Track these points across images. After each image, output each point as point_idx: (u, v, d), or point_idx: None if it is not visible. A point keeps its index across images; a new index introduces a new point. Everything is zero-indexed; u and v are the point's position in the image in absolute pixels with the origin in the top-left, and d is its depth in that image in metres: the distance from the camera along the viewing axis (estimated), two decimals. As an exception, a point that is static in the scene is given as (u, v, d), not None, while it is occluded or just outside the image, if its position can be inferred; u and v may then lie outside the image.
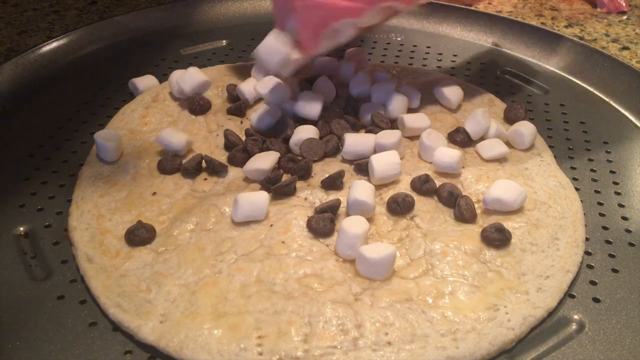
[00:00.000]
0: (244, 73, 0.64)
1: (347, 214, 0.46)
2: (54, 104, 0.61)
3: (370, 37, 0.74)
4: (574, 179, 0.53)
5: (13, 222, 0.47)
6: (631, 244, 0.47)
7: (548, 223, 0.47)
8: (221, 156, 0.53)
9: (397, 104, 0.56)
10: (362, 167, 0.50)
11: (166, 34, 0.73)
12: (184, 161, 0.51)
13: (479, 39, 0.74)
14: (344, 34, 0.52)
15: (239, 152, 0.52)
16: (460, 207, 0.46)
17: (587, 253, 0.46)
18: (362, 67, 0.62)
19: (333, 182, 0.48)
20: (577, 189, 0.51)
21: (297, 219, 0.46)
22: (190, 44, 0.72)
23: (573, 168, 0.54)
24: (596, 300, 0.42)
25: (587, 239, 0.47)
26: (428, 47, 0.72)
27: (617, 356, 0.39)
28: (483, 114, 0.54)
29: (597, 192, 0.51)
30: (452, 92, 0.59)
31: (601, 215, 0.49)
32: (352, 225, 0.43)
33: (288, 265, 0.43)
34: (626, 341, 0.40)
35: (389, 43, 0.73)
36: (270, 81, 0.56)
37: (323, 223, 0.45)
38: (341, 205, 0.47)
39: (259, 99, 0.59)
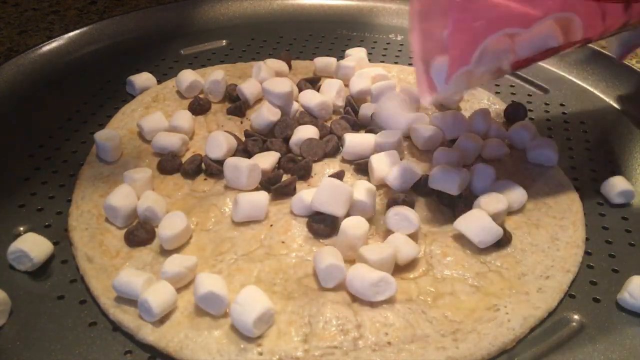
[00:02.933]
0: (244, 73, 0.64)
1: (347, 215, 0.46)
2: (53, 104, 0.61)
3: (370, 37, 0.74)
4: (574, 179, 0.53)
5: (13, 222, 0.47)
6: (631, 244, 0.47)
7: (548, 223, 0.47)
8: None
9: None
10: (362, 167, 0.51)
11: (166, 34, 0.73)
12: (183, 161, 0.51)
13: (479, 39, 0.74)
14: (504, 56, 0.42)
15: (239, 152, 0.52)
16: (458, 210, 0.46)
17: (587, 253, 0.46)
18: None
19: (333, 182, 0.48)
20: (577, 189, 0.51)
21: (297, 219, 0.46)
22: (190, 44, 0.71)
23: (573, 168, 0.54)
24: (596, 300, 0.42)
25: (587, 239, 0.47)
26: (428, 47, 0.72)
27: (617, 356, 0.39)
28: (483, 114, 0.54)
29: (597, 192, 0.51)
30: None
31: (601, 215, 0.49)
32: (352, 226, 0.43)
33: (288, 266, 0.43)
34: (626, 341, 0.40)
35: (388, 43, 0.73)
36: (275, 81, 0.56)
37: (323, 223, 0.45)
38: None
39: (259, 99, 0.59)
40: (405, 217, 0.44)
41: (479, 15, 0.41)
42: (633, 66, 0.65)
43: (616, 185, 0.50)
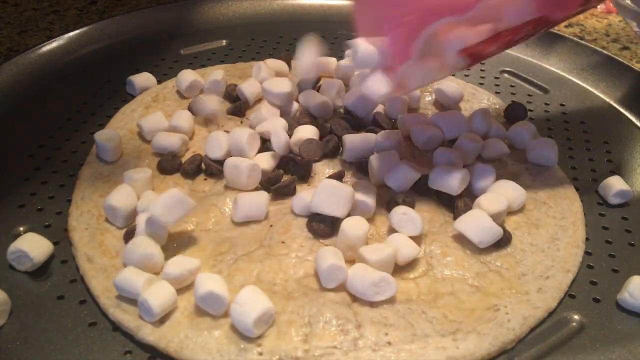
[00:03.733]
0: (244, 73, 0.64)
1: (347, 215, 0.46)
2: (53, 104, 0.61)
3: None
4: (574, 179, 0.53)
5: (13, 222, 0.47)
6: (631, 244, 0.47)
7: (548, 223, 0.47)
8: (221, 156, 0.53)
9: (397, 104, 0.56)
10: (362, 167, 0.50)
11: (166, 34, 0.73)
12: (183, 161, 0.51)
13: (479, 39, 0.74)
14: (447, 50, 0.40)
15: (239, 152, 0.52)
16: (458, 210, 0.46)
17: (587, 253, 0.46)
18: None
19: (333, 182, 0.48)
20: (577, 189, 0.51)
21: (297, 219, 0.46)
22: (190, 44, 0.71)
23: (573, 168, 0.54)
24: (596, 300, 0.42)
25: (587, 239, 0.47)
26: (428, 47, 0.72)
27: (617, 356, 0.39)
28: (483, 114, 0.54)
29: (597, 192, 0.51)
30: (452, 92, 0.59)
31: (601, 215, 0.49)
32: (352, 226, 0.43)
33: (288, 266, 0.43)
34: (626, 341, 0.40)
35: (389, 43, 0.73)
36: (275, 81, 0.56)
37: (323, 224, 0.45)
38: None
39: (259, 99, 0.59)
40: (411, 218, 0.44)
41: (411, 8, 0.39)
42: (633, 66, 0.65)
43: (613, 186, 0.50)
